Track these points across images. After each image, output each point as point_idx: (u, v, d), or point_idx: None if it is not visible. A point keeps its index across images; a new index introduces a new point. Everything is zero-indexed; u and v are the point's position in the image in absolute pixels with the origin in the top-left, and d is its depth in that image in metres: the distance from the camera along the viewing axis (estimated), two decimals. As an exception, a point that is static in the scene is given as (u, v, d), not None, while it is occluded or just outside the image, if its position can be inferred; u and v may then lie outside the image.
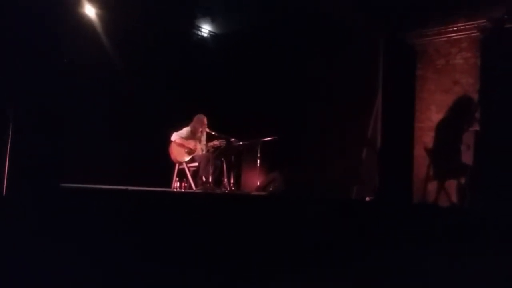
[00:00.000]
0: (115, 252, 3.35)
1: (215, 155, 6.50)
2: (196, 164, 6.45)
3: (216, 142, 6.55)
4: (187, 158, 6.48)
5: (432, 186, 7.23)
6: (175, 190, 6.24)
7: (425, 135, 7.42)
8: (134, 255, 3.46)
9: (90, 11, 6.53)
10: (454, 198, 6.99)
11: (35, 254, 3.02)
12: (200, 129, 6.59)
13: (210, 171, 6.19)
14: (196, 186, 6.29)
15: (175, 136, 6.45)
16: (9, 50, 3.36)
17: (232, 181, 6.64)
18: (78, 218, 3.32)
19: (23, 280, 2.89)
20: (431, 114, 7.40)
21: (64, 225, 3.23)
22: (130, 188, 4.56)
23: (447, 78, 7.29)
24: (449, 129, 7.18)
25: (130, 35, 6.89)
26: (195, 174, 6.48)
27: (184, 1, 7.56)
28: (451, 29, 7.25)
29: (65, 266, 3.08)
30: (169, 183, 6.46)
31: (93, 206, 3.52)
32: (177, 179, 6.43)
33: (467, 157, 6.69)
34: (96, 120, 6.32)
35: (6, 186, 3.19)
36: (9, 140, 3.25)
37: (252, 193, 6.50)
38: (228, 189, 6.45)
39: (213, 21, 7.86)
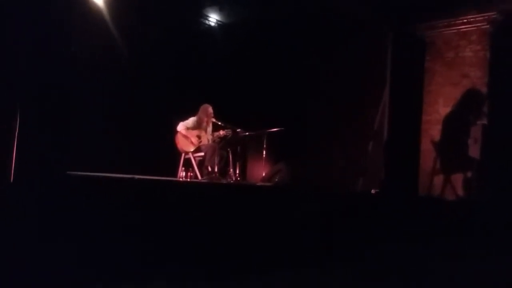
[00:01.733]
0: (120, 239, 3.37)
1: (221, 145, 6.50)
2: (202, 154, 6.45)
3: (222, 132, 6.54)
4: (193, 148, 6.48)
5: (438, 179, 7.22)
6: (180, 179, 6.25)
7: (432, 128, 7.39)
8: (140, 243, 3.48)
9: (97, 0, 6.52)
10: (460, 191, 6.98)
11: (41, 240, 3.05)
12: (206, 119, 6.58)
13: (216, 161, 6.20)
14: (201, 176, 6.30)
15: (181, 126, 6.45)
16: (16, 39, 3.36)
17: (237, 172, 6.65)
18: (84, 206, 3.34)
19: (29, 267, 2.92)
20: (438, 107, 7.36)
21: (70, 213, 3.25)
22: (136, 176, 4.57)
23: (456, 71, 7.23)
24: (457, 122, 7.14)
25: (137, 23, 6.87)
26: (201, 163, 6.49)
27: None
28: (460, 21, 7.18)
29: (71, 252, 3.10)
30: (175, 173, 6.48)
31: (99, 194, 3.54)
32: (183, 168, 6.44)
33: (474, 151, 6.66)
34: (103, 109, 6.33)
35: (13, 173, 3.21)
36: (17, 128, 3.26)
37: (258, 184, 6.51)
38: (234, 179, 6.45)
39: (220, 10, 7.81)
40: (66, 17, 3.69)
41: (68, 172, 3.73)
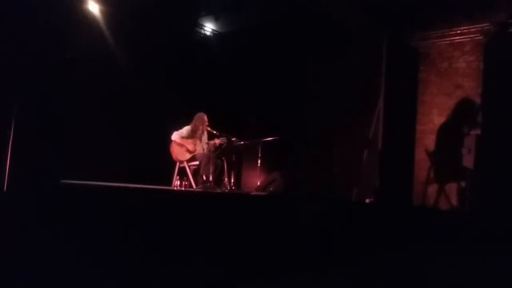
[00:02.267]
0: (114, 249, 3.36)
1: (216, 154, 6.50)
2: (197, 162, 6.46)
3: (217, 141, 6.55)
4: (187, 157, 6.48)
5: (433, 188, 7.23)
6: (175, 188, 6.24)
7: (427, 138, 7.42)
8: (134, 253, 3.47)
9: (93, 7, 6.54)
10: (454, 201, 7.00)
11: (35, 250, 3.03)
12: (201, 127, 6.59)
13: (211, 170, 6.20)
14: (196, 185, 6.29)
15: (175, 136, 6.46)
16: (12, 47, 3.36)
17: (232, 181, 6.64)
18: (78, 214, 3.33)
19: (23, 276, 2.90)
20: (433, 117, 7.40)
21: (64, 222, 3.23)
22: (131, 185, 4.57)
23: (450, 81, 7.29)
24: (451, 132, 7.18)
25: (133, 32, 6.89)
26: (196, 172, 6.49)
27: (188, -1, 7.56)
28: (454, 32, 7.25)
29: (65, 262, 3.08)
30: (169, 181, 6.47)
31: (93, 203, 3.53)
32: (178, 177, 6.43)
33: (468, 161, 6.68)
34: (98, 117, 6.32)
35: (7, 182, 3.20)
36: (11, 136, 3.26)
37: (252, 193, 6.50)
38: (228, 188, 6.45)
39: (216, 19, 7.85)
40: (63, 24, 3.71)
41: (62, 181, 3.73)
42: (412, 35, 7.54)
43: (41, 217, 3.14)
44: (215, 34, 8.26)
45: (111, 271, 3.21)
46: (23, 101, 3.42)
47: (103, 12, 6.60)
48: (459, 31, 7.20)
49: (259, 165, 6.82)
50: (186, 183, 6.36)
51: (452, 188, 7.06)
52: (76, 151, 5.38)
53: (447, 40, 7.34)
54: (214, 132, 6.58)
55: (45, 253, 3.04)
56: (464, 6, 6.99)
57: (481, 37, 7.02)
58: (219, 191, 6.07)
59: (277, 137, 6.71)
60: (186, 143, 6.49)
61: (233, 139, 6.58)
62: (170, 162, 6.53)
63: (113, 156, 6.33)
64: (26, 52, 3.45)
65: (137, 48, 6.94)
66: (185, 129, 6.54)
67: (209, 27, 8.17)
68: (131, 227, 3.56)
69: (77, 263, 3.10)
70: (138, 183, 5.24)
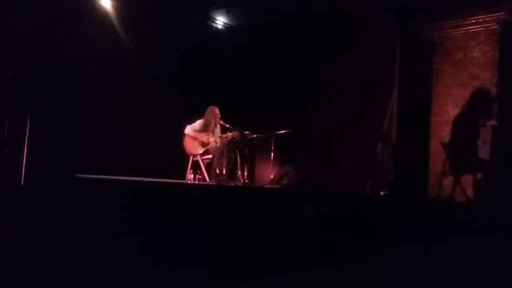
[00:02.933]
0: (129, 241, 3.38)
1: (229, 147, 6.50)
2: (210, 156, 6.47)
3: (230, 134, 6.55)
4: (201, 151, 6.50)
5: (448, 181, 7.16)
6: (189, 182, 6.26)
7: (442, 130, 7.34)
8: (148, 245, 3.49)
9: (106, 3, 6.57)
10: (470, 193, 6.93)
11: (52, 243, 3.07)
12: (214, 121, 6.59)
13: (224, 163, 6.20)
14: (210, 178, 6.31)
15: (188, 129, 6.48)
16: (25, 44, 3.39)
17: (245, 174, 6.64)
18: (93, 208, 3.36)
19: (39, 269, 2.94)
20: (448, 108, 7.32)
21: (79, 215, 3.27)
22: (145, 179, 4.59)
23: (465, 72, 7.19)
24: (466, 123, 7.09)
25: (145, 26, 6.91)
26: (209, 166, 6.50)
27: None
28: (469, 21, 7.13)
29: (81, 254, 3.12)
30: (183, 175, 6.49)
31: (108, 196, 3.56)
32: (191, 171, 6.46)
33: (483, 152, 6.61)
34: (112, 112, 6.36)
35: (24, 177, 3.24)
36: (27, 131, 3.30)
37: (266, 186, 6.51)
38: (242, 181, 6.45)
39: (228, 13, 7.84)
40: (75, 21, 3.73)
41: (77, 175, 3.76)
42: (426, 25, 7.44)
43: (57, 210, 3.18)
44: (227, 27, 8.24)
45: (127, 263, 3.24)
46: (38, 97, 3.45)
47: (114, 7, 6.62)
48: (474, 21, 7.09)
49: (272, 158, 6.81)
50: (200, 176, 6.38)
51: (468, 180, 6.98)
52: (91, 145, 5.42)
53: (462, 30, 7.23)
54: (227, 125, 6.58)
55: (61, 246, 3.08)
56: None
57: (496, 26, 6.90)
58: (232, 184, 6.08)
59: (290, 130, 6.69)
60: (199, 137, 6.50)
61: (246, 132, 6.57)
62: (183, 156, 6.56)
63: (127, 151, 6.37)
64: (40, 50, 3.47)
65: (149, 42, 6.95)
66: (198, 123, 6.55)
67: (220, 21, 8.16)
68: (146, 220, 3.58)
69: (92, 255, 3.13)
70: (152, 177, 5.27)
